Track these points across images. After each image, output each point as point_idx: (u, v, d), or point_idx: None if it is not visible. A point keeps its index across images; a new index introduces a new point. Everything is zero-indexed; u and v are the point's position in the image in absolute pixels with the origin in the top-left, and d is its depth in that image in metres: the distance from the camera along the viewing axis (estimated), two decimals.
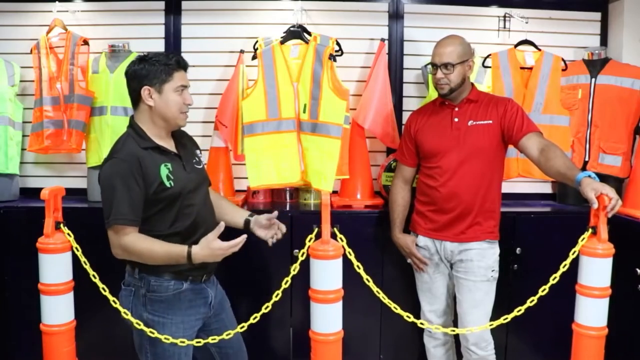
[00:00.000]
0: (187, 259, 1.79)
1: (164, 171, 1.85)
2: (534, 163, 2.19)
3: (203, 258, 1.80)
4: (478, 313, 2.32)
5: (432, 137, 2.35)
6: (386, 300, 2.14)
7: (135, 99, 1.90)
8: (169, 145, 1.95)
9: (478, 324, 2.27)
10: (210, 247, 1.79)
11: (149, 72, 1.85)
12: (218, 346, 2.09)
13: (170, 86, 1.87)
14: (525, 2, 3.07)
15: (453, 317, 2.50)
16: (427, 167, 2.37)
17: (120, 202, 1.78)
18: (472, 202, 2.28)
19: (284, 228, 2.12)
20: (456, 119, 2.31)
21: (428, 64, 2.37)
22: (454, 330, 2.23)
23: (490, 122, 2.27)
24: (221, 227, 1.82)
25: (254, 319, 2.09)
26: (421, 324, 2.22)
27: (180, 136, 2.03)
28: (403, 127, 2.77)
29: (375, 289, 2.14)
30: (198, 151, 2.08)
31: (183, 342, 1.89)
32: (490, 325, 2.17)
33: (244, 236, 1.85)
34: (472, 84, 2.38)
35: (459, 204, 2.29)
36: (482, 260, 2.31)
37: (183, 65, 1.91)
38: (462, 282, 2.33)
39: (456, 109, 2.33)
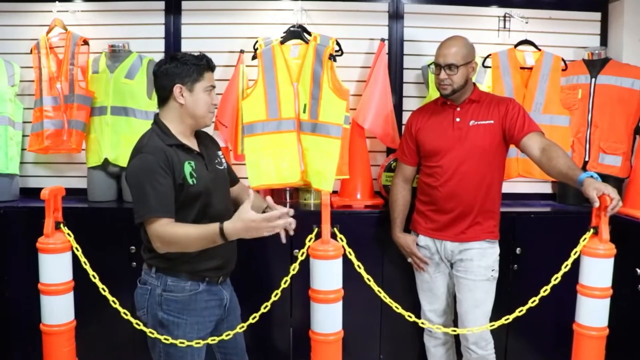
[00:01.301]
0: (219, 234, 1.72)
1: (187, 168, 1.85)
2: (536, 163, 2.19)
3: (236, 232, 1.71)
4: (478, 312, 2.32)
5: (433, 137, 2.35)
6: (387, 300, 2.15)
7: (165, 97, 1.90)
8: (192, 144, 1.95)
9: (478, 324, 2.28)
10: (242, 218, 1.69)
11: (182, 70, 1.86)
12: (224, 352, 2.10)
13: (201, 85, 1.89)
14: (525, 2, 3.07)
15: (453, 316, 2.50)
16: (428, 166, 2.37)
17: (150, 197, 1.76)
18: (473, 202, 2.28)
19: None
20: (458, 119, 2.31)
21: (431, 64, 2.36)
22: (455, 330, 2.24)
23: (492, 122, 2.27)
24: (251, 197, 1.75)
25: (253, 318, 2.10)
26: (422, 323, 2.22)
27: (202, 137, 2.03)
28: (404, 126, 2.76)
29: (376, 288, 2.14)
30: (220, 152, 2.07)
31: (182, 342, 1.89)
32: (492, 325, 2.17)
33: (284, 210, 1.75)
34: (474, 84, 2.38)
35: (459, 204, 2.29)
36: (482, 259, 2.31)
37: (212, 67, 1.93)
38: (462, 282, 2.33)
39: (458, 108, 2.33)
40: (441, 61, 2.25)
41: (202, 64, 1.89)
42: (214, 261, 1.91)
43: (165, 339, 1.87)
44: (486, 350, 2.34)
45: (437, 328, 2.34)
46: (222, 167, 2.03)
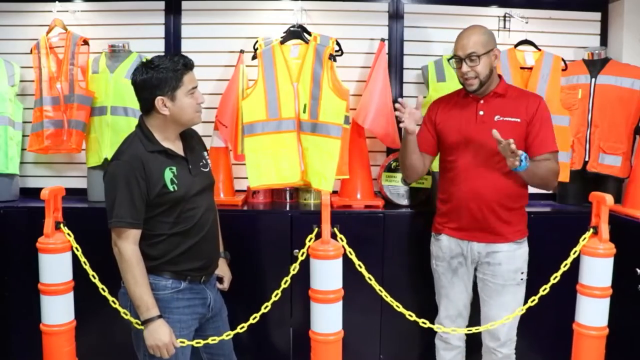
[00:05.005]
0: (142, 321, 1.81)
1: (168, 175, 1.85)
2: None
3: (151, 330, 1.81)
4: (507, 315, 2.19)
5: (454, 130, 2.22)
6: (388, 299, 2.14)
7: (148, 108, 1.87)
8: (177, 147, 1.93)
9: (507, 327, 2.20)
10: (162, 341, 1.80)
11: (160, 81, 1.81)
12: (210, 353, 2.10)
13: (182, 91, 1.85)
14: (525, 2, 3.07)
15: (467, 322, 2.38)
16: (448, 161, 2.25)
17: (120, 204, 1.79)
18: (497, 200, 2.16)
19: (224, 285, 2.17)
20: (481, 112, 2.18)
21: (450, 58, 2.21)
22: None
23: (518, 120, 2.15)
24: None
25: (253, 319, 2.10)
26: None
27: (189, 137, 2.01)
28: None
29: (377, 287, 2.14)
30: (205, 153, 2.06)
31: (182, 342, 1.89)
32: (492, 324, 2.17)
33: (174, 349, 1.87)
34: (500, 76, 2.24)
35: (483, 203, 2.16)
36: (510, 263, 2.19)
37: (190, 66, 1.88)
38: (490, 285, 2.22)
39: (481, 101, 2.19)
40: (460, 53, 2.11)
41: (179, 69, 1.83)
42: (197, 262, 1.93)
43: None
44: (511, 350, 2.26)
45: (452, 330, 2.27)
46: (206, 170, 2.01)
